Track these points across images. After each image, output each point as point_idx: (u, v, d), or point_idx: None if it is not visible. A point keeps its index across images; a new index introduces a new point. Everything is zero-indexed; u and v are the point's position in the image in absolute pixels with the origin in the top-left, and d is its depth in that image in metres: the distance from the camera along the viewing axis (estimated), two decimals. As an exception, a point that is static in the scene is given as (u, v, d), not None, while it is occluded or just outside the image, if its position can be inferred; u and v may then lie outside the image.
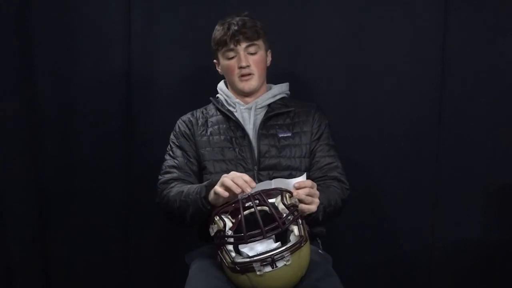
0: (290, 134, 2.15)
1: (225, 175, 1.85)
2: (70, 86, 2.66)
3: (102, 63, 2.66)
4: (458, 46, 2.57)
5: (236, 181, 1.82)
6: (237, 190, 1.81)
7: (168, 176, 2.12)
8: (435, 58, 2.58)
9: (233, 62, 2.15)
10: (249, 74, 2.15)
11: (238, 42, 2.13)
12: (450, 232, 2.64)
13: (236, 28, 2.12)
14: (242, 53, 2.13)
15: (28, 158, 2.65)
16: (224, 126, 2.17)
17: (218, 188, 1.85)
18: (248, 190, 1.81)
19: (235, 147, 2.12)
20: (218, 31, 2.17)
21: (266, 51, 2.21)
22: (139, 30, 2.65)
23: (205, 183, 1.98)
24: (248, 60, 2.14)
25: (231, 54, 2.15)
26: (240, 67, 2.14)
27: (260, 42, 2.17)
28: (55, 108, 2.67)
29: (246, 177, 1.83)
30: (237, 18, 2.15)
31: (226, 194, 1.82)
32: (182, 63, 2.66)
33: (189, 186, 2.04)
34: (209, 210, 1.91)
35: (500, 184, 2.61)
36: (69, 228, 2.71)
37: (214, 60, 2.23)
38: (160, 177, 2.14)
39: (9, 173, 2.60)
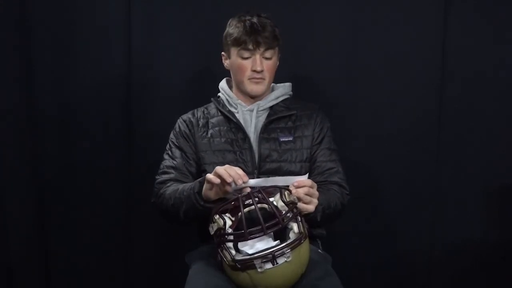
0: (291, 138, 2.12)
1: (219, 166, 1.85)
2: (70, 86, 2.66)
3: (102, 63, 2.66)
4: (458, 46, 2.57)
5: (228, 171, 1.81)
6: (229, 179, 1.79)
7: (165, 176, 2.11)
8: (435, 58, 2.58)
9: (246, 63, 2.09)
10: (260, 78, 2.11)
11: (258, 45, 2.06)
12: (450, 232, 2.64)
13: (259, 29, 2.06)
14: (258, 56, 2.08)
15: (28, 158, 2.65)
16: (225, 128, 2.14)
17: (210, 175, 1.83)
18: (240, 182, 1.80)
19: (236, 149, 2.10)
20: (237, 28, 2.08)
21: (278, 56, 2.16)
22: (139, 30, 2.65)
23: (199, 179, 1.95)
24: (263, 65, 2.09)
25: (247, 54, 2.08)
26: (254, 71, 2.09)
27: (276, 49, 2.12)
28: (55, 108, 2.67)
29: (239, 170, 1.83)
30: (256, 18, 2.08)
31: (217, 180, 1.80)
32: (182, 63, 2.66)
33: (184, 184, 2.03)
34: (202, 205, 1.90)
35: (500, 184, 2.61)
36: (69, 228, 2.70)
37: (223, 53, 2.17)
38: (157, 176, 2.13)
39: (9, 173, 2.60)
